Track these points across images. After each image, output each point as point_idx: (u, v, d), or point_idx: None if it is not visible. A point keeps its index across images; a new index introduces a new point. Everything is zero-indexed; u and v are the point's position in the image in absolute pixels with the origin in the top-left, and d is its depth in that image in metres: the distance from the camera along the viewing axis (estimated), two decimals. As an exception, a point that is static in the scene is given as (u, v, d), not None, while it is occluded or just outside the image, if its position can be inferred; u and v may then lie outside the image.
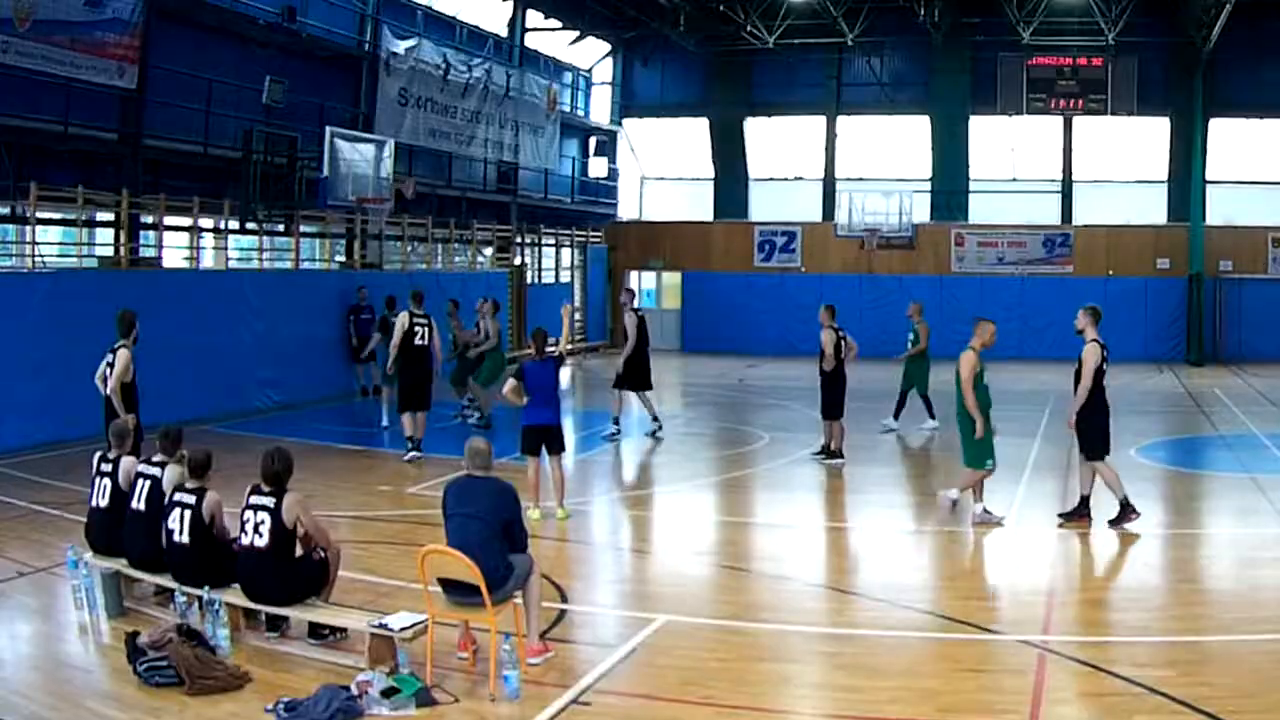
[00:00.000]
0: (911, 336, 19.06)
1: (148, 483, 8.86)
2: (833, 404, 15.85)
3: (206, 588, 8.14)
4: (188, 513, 8.39)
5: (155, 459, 9.02)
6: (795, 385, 25.27)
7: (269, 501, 8.07)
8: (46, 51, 17.50)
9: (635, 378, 18.19)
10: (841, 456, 15.86)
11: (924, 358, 18.99)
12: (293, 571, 8.14)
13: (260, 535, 8.01)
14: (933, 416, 18.82)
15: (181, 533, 8.39)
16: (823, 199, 37.09)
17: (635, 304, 18.90)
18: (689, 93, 39.09)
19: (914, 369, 19.03)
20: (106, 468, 9.25)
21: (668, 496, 14.85)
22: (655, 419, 18.39)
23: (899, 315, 33.89)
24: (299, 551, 8.26)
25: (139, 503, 8.84)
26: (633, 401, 18.98)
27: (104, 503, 9.17)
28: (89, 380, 12.90)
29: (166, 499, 8.63)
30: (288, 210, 22.41)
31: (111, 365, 12.44)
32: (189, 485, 8.54)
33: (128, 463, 9.21)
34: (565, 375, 16.84)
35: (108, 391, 12.44)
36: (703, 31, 33.62)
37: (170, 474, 8.87)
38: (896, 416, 19.01)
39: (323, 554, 8.37)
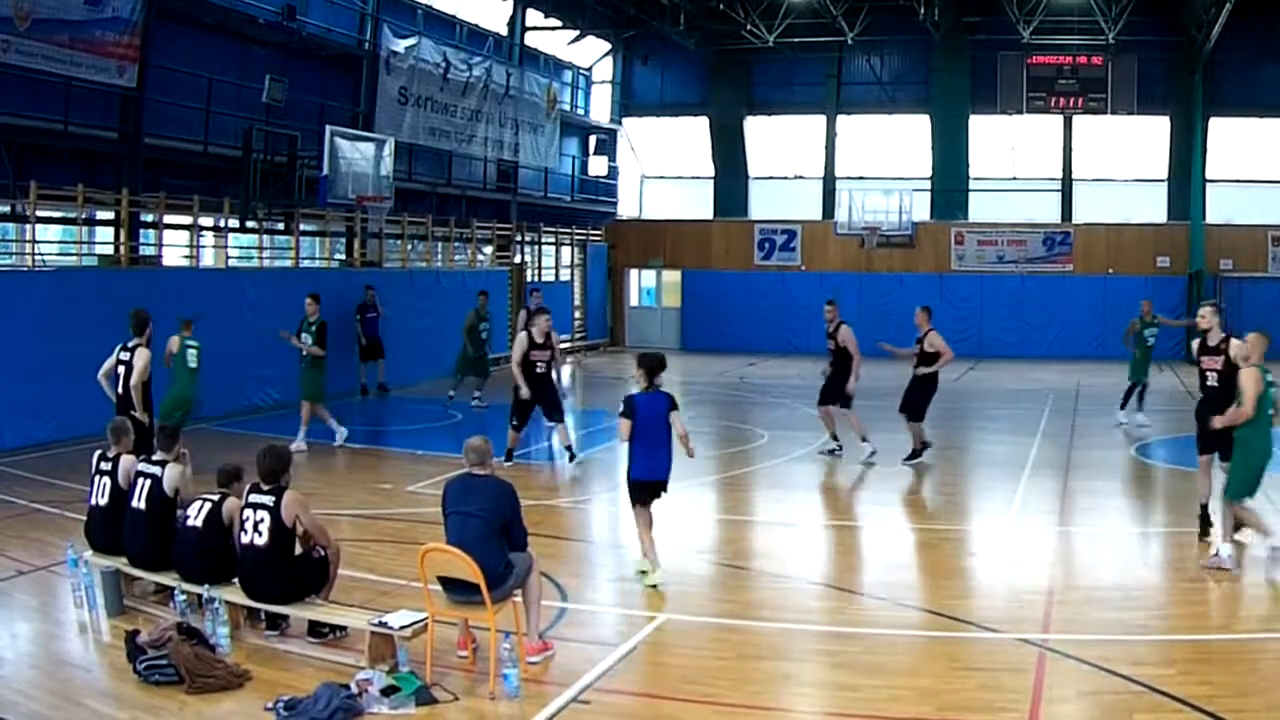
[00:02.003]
0: (1155, 332, 19.94)
1: (148, 481, 8.87)
2: (922, 406, 15.80)
3: (207, 585, 8.15)
4: (208, 505, 8.53)
5: (155, 458, 9.04)
6: (795, 384, 25.28)
7: (268, 500, 8.08)
8: (46, 50, 17.50)
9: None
10: (921, 453, 15.77)
11: (1150, 353, 19.98)
12: (292, 570, 8.15)
13: (260, 534, 8.03)
14: (1140, 409, 19.64)
15: (197, 517, 8.50)
16: (823, 197, 37.09)
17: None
18: (689, 91, 39.10)
19: (1141, 364, 19.80)
20: (106, 466, 9.26)
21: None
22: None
23: (898, 313, 34.17)
24: (298, 550, 8.27)
25: (139, 501, 8.85)
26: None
27: (104, 501, 9.18)
28: (89, 379, 12.92)
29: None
30: (288, 209, 22.45)
31: (126, 364, 12.69)
32: (155, 458, 8.91)
33: (127, 461, 9.22)
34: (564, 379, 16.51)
35: (120, 389, 12.63)
36: (703, 30, 33.61)
37: (170, 473, 8.89)
38: (1124, 407, 19.76)
39: (322, 552, 8.37)
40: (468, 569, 7.39)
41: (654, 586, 9.95)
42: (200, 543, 8.41)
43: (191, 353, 14.50)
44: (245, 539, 8.11)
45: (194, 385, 14.55)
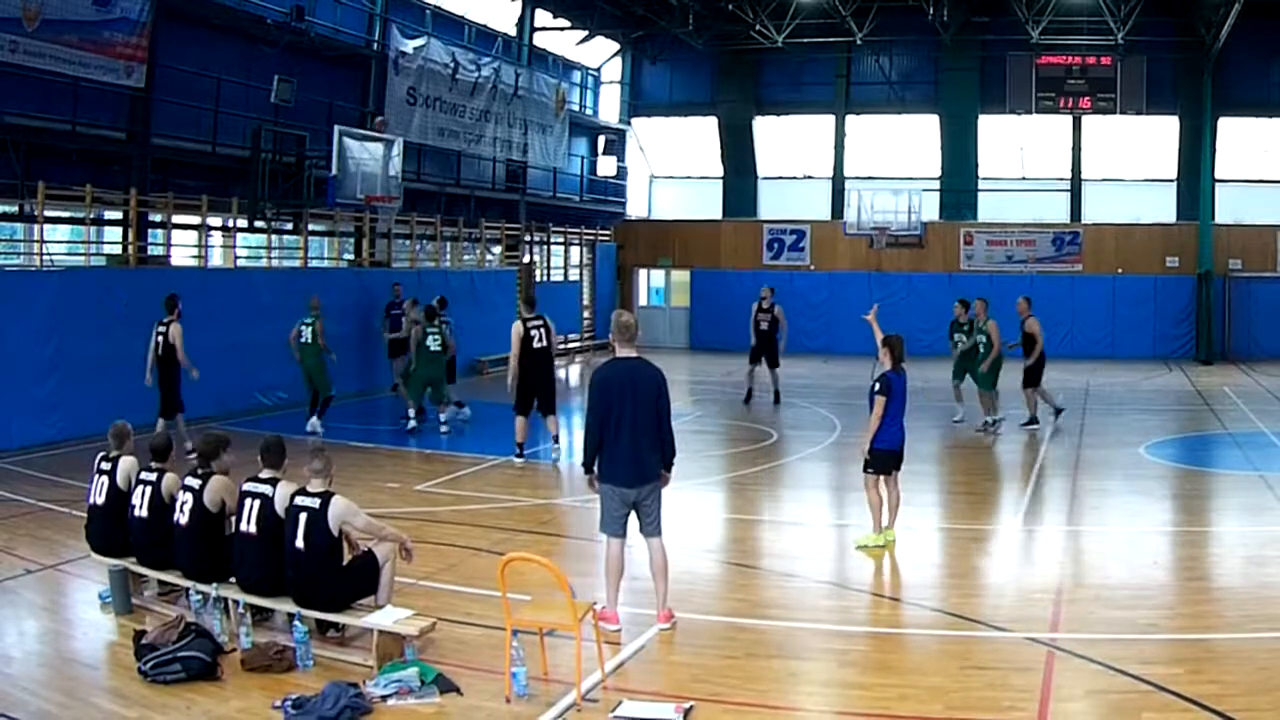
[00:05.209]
0: None
1: (148, 489, 8.92)
2: None
3: (215, 585, 8.16)
4: (190, 496, 8.59)
5: (153, 465, 9.07)
6: (803, 383, 25.25)
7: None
8: (55, 51, 17.55)
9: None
10: None
11: None
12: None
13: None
14: None
15: (181, 512, 8.58)
16: (831, 197, 37.06)
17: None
18: (698, 92, 39.07)
19: None
20: (106, 466, 9.35)
21: (676, 493, 14.76)
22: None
23: (907, 313, 34.22)
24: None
25: (142, 510, 8.89)
26: None
27: (100, 500, 9.25)
28: (97, 378, 13.01)
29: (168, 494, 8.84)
30: (296, 209, 22.47)
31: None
32: (153, 465, 9.02)
33: (127, 463, 9.28)
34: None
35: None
36: (711, 30, 33.60)
37: (167, 481, 8.93)
38: None
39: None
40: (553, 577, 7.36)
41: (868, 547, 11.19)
42: (193, 537, 8.50)
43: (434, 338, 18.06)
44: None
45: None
